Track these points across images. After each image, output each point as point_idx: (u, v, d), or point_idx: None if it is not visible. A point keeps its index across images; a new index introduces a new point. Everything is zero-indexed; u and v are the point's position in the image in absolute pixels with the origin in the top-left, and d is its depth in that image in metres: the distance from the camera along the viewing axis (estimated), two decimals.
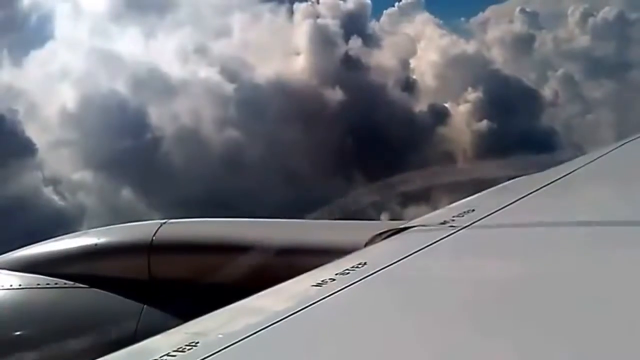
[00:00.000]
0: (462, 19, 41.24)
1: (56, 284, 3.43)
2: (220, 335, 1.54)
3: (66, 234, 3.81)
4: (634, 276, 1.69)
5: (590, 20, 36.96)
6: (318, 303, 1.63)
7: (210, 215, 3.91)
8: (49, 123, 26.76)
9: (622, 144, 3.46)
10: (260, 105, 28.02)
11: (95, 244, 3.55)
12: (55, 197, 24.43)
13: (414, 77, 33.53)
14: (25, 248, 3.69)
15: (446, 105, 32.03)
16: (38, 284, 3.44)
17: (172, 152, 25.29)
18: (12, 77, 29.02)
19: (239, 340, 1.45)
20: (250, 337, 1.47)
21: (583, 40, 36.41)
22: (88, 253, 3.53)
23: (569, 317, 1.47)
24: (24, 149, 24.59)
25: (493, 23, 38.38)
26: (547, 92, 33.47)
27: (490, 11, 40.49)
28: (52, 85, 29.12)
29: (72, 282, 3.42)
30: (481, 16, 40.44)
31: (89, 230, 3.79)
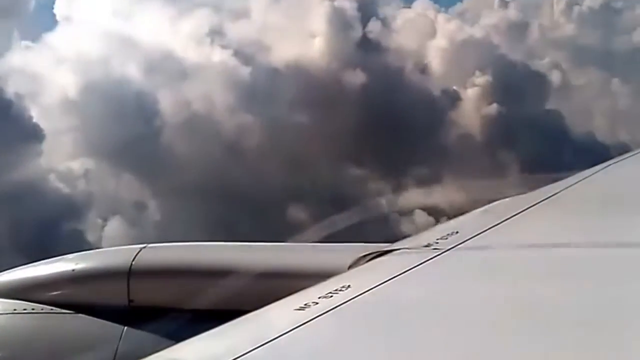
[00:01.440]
0: (442, 8, 41.16)
1: (33, 309, 3.38)
2: None
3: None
4: (618, 298, 1.69)
5: (576, 8, 36.85)
6: (301, 327, 1.61)
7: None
8: (58, 109, 26.12)
9: (606, 166, 3.49)
10: (275, 88, 27.31)
11: (74, 269, 3.51)
12: (61, 185, 23.81)
13: (425, 61, 32.94)
14: (2, 273, 3.64)
15: (456, 89, 31.52)
16: (15, 310, 3.39)
17: (183, 138, 24.62)
18: (21, 61, 28.34)
19: None
20: None
21: (569, 29, 36.24)
22: (66, 278, 3.49)
23: (553, 338, 1.46)
24: (32, 134, 23.98)
25: (472, 13, 38.18)
26: (552, 77, 33.08)
27: (469, 1, 40.65)
28: (62, 70, 28.38)
29: (50, 308, 3.38)
30: (460, 6, 40.57)
31: (68, 256, 3.75)
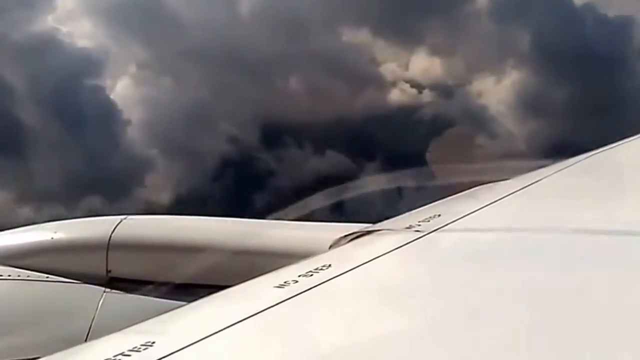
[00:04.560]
0: None
1: (10, 275, 3.37)
2: (178, 335, 1.50)
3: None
4: (597, 283, 1.70)
5: None
6: (280, 305, 1.60)
7: None
8: None
9: (592, 155, 3.52)
10: None
11: (52, 238, 3.51)
12: (73, 42, 23.09)
13: None
14: None
15: None
16: None
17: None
18: None
19: (197, 341, 1.42)
20: (209, 337, 1.43)
21: None
22: (45, 246, 3.49)
23: (534, 321, 1.46)
24: None
25: None
26: None
27: None
28: None
29: (27, 274, 3.37)
30: None
31: (47, 224, 3.74)
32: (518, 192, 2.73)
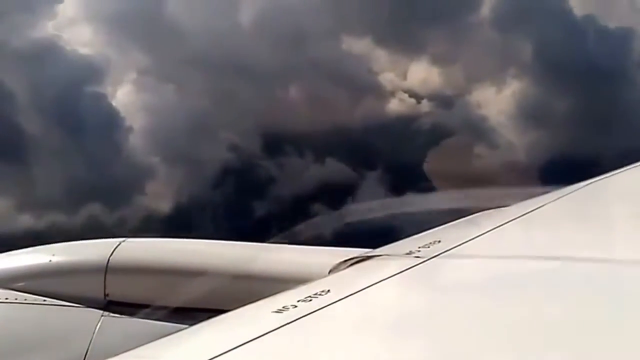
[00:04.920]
0: None
1: (7, 298, 3.36)
2: None
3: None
4: (597, 311, 1.69)
5: None
6: (278, 330, 1.59)
7: None
8: None
9: (592, 182, 3.52)
10: None
11: (50, 260, 3.50)
12: (69, 47, 22.95)
13: None
14: None
15: None
16: None
17: (189, 8, 23.59)
18: None
19: None
20: None
21: None
22: (43, 269, 3.48)
23: (533, 350, 1.45)
24: None
25: None
26: None
27: None
28: None
29: (23, 297, 3.36)
30: None
31: (46, 246, 3.73)
32: (518, 219, 2.73)
